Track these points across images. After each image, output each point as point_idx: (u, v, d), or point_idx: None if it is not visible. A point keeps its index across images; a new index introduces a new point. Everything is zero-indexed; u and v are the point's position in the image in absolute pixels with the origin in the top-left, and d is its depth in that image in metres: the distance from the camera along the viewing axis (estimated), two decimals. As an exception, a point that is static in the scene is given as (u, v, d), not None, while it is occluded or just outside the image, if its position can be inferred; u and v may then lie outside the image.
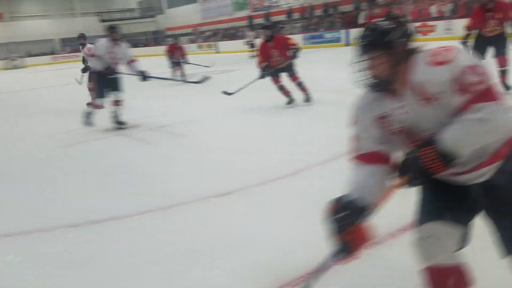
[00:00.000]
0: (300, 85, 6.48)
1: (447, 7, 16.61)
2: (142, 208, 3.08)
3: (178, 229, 2.73)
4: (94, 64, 5.79)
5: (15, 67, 29.52)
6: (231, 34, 29.23)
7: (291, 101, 6.47)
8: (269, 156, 4.08)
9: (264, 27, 6.88)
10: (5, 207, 3.39)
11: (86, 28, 37.77)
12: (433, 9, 17.36)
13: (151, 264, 2.32)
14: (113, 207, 3.19)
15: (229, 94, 6.92)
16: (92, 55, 5.95)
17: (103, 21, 39.04)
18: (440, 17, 16.47)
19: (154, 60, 25.20)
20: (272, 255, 2.28)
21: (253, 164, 3.89)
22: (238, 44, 26.10)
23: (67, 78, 16.67)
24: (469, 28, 5.52)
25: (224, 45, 27.68)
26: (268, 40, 6.39)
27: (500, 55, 5.32)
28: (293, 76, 6.47)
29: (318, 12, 24.10)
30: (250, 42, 19.48)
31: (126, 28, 38.51)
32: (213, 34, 31.30)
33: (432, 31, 16.48)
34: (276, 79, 6.49)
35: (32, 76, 20.72)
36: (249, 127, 5.48)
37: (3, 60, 30.49)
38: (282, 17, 26.32)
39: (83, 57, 7.44)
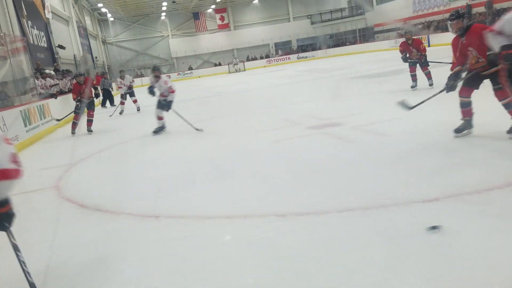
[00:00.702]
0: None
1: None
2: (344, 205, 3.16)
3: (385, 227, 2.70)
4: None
5: (237, 71, 33.66)
6: (445, 26, 26.85)
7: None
8: None
9: (457, 16, 4.47)
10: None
11: (298, 30, 40.62)
12: None
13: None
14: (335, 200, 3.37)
15: (408, 108, 5.17)
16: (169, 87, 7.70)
17: (313, 23, 41.10)
18: None
19: (362, 56, 25.29)
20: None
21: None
22: (451, 36, 23.82)
23: (279, 79, 18.38)
24: None
25: (435, 38, 25.68)
26: (462, 34, 4.50)
27: None
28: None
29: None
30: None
31: (335, 27, 39.69)
32: (425, 27, 29.33)
33: None
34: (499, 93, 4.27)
35: (250, 78, 23.28)
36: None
37: (227, 65, 35.15)
38: (506, 4, 22.76)
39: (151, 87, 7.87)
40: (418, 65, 8.80)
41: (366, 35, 38.35)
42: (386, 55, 22.73)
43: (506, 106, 4.23)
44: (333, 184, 3.74)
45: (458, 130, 4.56)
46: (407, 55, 8.86)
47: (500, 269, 2.09)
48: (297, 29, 41.06)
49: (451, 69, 4.70)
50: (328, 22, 40.47)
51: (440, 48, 22.09)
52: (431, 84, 8.51)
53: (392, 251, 2.42)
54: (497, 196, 2.96)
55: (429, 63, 8.77)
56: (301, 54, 37.06)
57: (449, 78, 4.60)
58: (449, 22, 4.53)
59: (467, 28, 4.42)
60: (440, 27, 27.40)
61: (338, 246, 2.58)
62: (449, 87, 4.57)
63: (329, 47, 37.85)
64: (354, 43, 37.02)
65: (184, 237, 3.02)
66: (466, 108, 4.53)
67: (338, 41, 39.85)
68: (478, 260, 2.20)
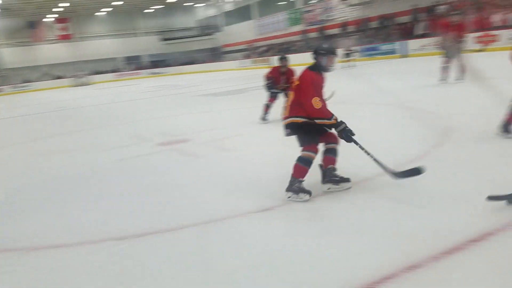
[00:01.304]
0: None
1: (512, 15, 15.71)
2: (179, 223, 3.17)
3: (219, 246, 2.78)
4: None
5: (82, 84, 31.50)
6: (285, 49, 29.45)
7: None
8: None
9: None
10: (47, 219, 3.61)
11: (149, 46, 39.96)
12: (497, 18, 16.48)
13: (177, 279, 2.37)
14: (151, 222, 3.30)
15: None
16: None
17: (164, 39, 40.94)
18: (504, 26, 15.59)
19: (212, 75, 25.91)
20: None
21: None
22: (293, 58, 26.24)
23: (129, 94, 17.81)
24: None
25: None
26: None
27: None
28: None
29: (373, 24, 23.70)
30: (347, 51, 18.16)
31: (185, 46, 40.14)
32: (268, 49, 31.72)
33: (495, 40, 15.64)
34: None
35: (97, 92, 22.02)
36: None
37: (70, 78, 32.67)
38: (336, 31, 26.16)
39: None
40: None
41: (215, 55, 39.70)
42: (235, 74, 23.87)
43: None
44: (173, 203, 3.72)
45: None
46: (273, 84, 7.19)
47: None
48: (147, 45, 40.38)
49: None
50: (179, 40, 40.82)
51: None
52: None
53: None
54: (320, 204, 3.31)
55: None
56: (152, 70, 36.55)
57: None
58: None
59: None
60: (281, 49, 29.93)
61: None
62: None
63: (180, 64, 38.14)
64: (205, 62, 37.97)
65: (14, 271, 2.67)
66: None
67: (189, 59, 40.45)
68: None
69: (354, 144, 3.31)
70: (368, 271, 2.20)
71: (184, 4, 40.78)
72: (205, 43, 40.20)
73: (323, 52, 3.43)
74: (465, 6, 17.79)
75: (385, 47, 20.74)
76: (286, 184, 3.33)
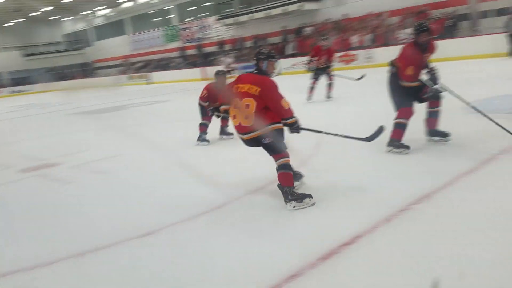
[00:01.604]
0: None
1: (367, 37, 17.70)
2: (55, 256, 2.85)
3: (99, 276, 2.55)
4: None
5: None
6: (164, 65, 29.07)
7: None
8: (192, 189, 3.99)
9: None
10: None
11: (8, 62, 36.03)
12: (355, 39, 18.42)
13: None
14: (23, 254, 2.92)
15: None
16: None
17: (27, 55, 37.39)
18: (361, 47, 17.49)
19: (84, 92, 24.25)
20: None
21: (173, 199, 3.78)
22: (172, 74, 26.05)
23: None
24: None
25: (158, 75, 27.45)
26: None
27: None
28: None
29: (248, 43, 24.69)
30: (227, 69, 18.29)
31: (53, 61, 37.16)
32: (144, 65, 30.97)
33: (354, 59, 17.46)
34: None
35: None
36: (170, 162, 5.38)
37: None
38: (213, 48, 26.68)
39: None
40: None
41: (87, 70, 37.45)
42: (110, 90, 22.73)
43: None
44: (45, 232, 3.35)
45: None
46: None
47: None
48: (6, 61, 36.34)
49: None
50: (44, 55, 37.62)
51: (161, 85, 23.77)
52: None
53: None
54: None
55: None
56: (13, 88, 32.99)
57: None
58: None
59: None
60: (159, 65, 29.47)
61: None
62: None
63: (47, 81, 35.09)
64: (74, 77, 35.50)
65: None
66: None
67: (57, 75, 37.47)
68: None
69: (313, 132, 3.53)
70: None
71: (50, 18, 37.87)
72: (74, 58, 37.66)
73: (263, 57, 3.49)
74: (328, 29, 19.59)
75: (260, 65, 21.70)
76: (168, 208, 3.23)
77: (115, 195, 4.20)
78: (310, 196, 3.26)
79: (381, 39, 17.06)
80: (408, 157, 4.22)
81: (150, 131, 7.74)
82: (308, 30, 21.23)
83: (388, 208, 2.98)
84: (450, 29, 15.47)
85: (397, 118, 4.39)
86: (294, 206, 3.20)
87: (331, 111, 7.88)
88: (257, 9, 22.86)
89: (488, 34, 14.05)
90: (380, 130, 3.64)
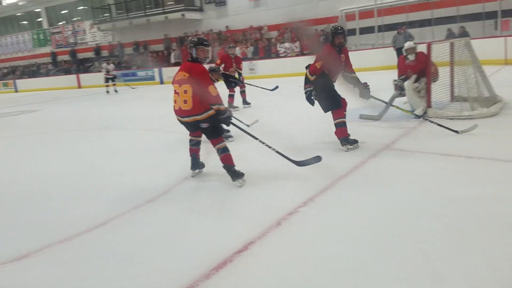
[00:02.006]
0: None
1: (250, 49, 18.32)
2: None
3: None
4: None
5: None
6: (33, 72, 26.48)
7: None
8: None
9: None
10: None
11: None
12: (238, 51, 18.94)
13: None
14: None
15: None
16: None
17: None
18: (244, 58, 18.05)
19: None
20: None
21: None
22: (41, 82, 23.83)
23: None
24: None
25: (23, 83, 24.86)
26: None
27: None
28: None
29: (128, 50, 23.79)
30: (107, 76, 16.57)
31: None
32: (11, 72, 27.87)
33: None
34: None
35: None
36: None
37: None
38: (89, 54, 25.16)
39: None
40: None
41: None
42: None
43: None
44: None
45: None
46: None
47: None
48: None
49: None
50: None
51: (28, 94, 21.57)
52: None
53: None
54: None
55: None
56: None
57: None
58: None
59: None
60: (27, 72, 26.77)
61: None
62: None
63: None
64: None
65: None
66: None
67: None
68: None
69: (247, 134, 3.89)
70: None
71: None
72: None
73: (192, 45, 3.66)
74: (211, 39, 19.84)
75: (142, 73, 21.03)
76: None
77: None
78: (243, 174, 3.78)
79: (262, 52, 17.82)
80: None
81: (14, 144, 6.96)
82: (191, 39, 21.22)
83: (279, 212, 3.07)
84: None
85: (335, 119, 4.66)
86: (240, 182, 3.72)
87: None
88: (137, 15, 22.19)
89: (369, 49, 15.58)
90: (317, 159, 3.80)
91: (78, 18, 26.42)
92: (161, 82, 20.26)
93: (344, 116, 4.68)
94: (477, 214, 2.80)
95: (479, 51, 6.42)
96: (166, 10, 21.11)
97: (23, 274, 2.55)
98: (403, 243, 2.49)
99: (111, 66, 16.97)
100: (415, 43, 6.30)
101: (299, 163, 3.83)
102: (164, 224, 3.15)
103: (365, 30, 16.56)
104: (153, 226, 3.12)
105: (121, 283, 2.36)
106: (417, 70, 6.05)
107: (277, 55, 17.79)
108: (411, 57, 6.08)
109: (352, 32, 16.94)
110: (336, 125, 4.67)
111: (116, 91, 16.72)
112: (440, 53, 5.95)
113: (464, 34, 12.78)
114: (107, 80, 16.62)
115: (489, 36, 13.05)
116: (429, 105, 5.87)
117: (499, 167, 3.70)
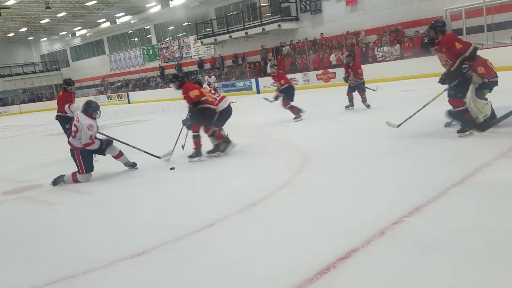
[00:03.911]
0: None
1: (345, 55, 18.06)
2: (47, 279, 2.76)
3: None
4: None
5: None
6: (143, 84, 28.96)
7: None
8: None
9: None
10: None
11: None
12: (333, 58, 18.78)
13: None
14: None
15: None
16: None
17: (2, 76, 36.80)
18: (339, 65, 17.82)
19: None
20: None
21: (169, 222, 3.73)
22: (150, 94, 25.94)
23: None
24: None
25: (135, 95, 27.28)
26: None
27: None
28: None
29: (228, 62, 24.89)
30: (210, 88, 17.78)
31: (29, 81, 36.66)
32: (124, 85, 30.77)
33: (333, 77, 17.77)
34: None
35: None
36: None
37: None
38: (193, 67, 26.79)
39: None
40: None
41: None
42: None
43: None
44: (35, 256, 3.25)
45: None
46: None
47: None
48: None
49: None
50: (20, 76, 37.05)
51: (140, 105, 23.62)
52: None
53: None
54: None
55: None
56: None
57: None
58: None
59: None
60: (138, 85, 29.32)
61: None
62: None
63: (23, 102, 34.52)
64: (51, 98, 35.04)
65: None
66: None
67: (33, 96, 36.88)
68: None
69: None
70: None
71: (28, 38, 37.44)
72: (51, 78, 37.18)
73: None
74: (304, 47, 19.95)
75: (241, 83, 21.88)
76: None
77: (101, 216, 4.12)
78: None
79: (359, 57, 17.47)
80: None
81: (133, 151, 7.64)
82: (286, 48, 21.56)
83: (382, 220, 3.01)
84: (426, 47, 15.94)
85: (193, 132, 5.94)
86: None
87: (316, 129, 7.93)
88: (235, 28, 23.15)
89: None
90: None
91: (183, 33, 28.34)
92: (258, 92, 20.83)
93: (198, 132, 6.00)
94: None
95: None
96: (263, 22, 21.72)
97: (141, 270, 2.82)
98: (524, 259, 2.30)
99: (213, 78, 17.76)
100: None
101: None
102: (267, 227, 3.25)
103: (473, 29, 15.40)
104: (257, 228, 3.24)
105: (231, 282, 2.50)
106: None
107: (374, 60, 17.31)
108: None
109: (458, 32, 15.85)
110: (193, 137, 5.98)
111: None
112: None
113: None
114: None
115: None
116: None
117: None
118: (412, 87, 6.45)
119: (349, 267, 2.46)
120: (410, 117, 5.79)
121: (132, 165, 5.92)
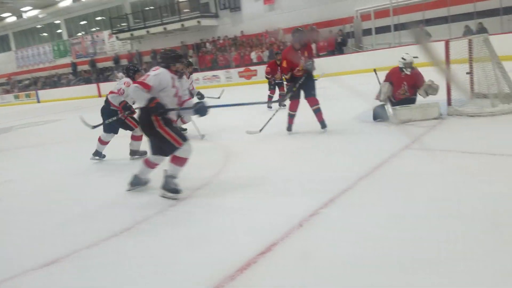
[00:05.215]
0: None
1: (265, 53, 18.39)
2: None
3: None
4: None
5: None
6: (54, 82, 27.10)
7: None
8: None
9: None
10: None
11: None
12: (253, 55, 19.02)
13: None
14: None
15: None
16: None
17: None
18: (260, 62, 18.09)
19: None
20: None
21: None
22: (62, 92, 24.36)
23: None
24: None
25: (45, 94, 25.46)
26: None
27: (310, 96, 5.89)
28: None
29: (146, 58, 24.16)
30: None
31: None
32: (33, 83, 28.58)
33: (254, 75, 18.01)
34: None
35: None
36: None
37: None
38: (109, 63, 25.62)
39: None
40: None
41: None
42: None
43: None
44: None
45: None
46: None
47: None
48: None
49: None
50: None
51: (51, 104, 22.08)
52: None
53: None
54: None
55: None
56: None
57: None
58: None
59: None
60: (48, 83, 27.40)
61: None
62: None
63: None
64: None
65: None
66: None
67: None
68: None
69: None
70: None
71: None
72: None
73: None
74: (226, 45, 20.01)
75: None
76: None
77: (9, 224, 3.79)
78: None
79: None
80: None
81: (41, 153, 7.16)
82: (208, 46, 21.45)
83: (301, 213, 3.10)
84: (340, 46, 16.75)
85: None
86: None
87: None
88: (153, 24, 22.54)
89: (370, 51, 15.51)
90: None
91: (97, 28, 26.98)
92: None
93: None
94: (500, 212, 2.78)
95: (498, 47, 6.33)
96: (182, 18, 21.38)
97: (51, 279, 2.64)
98: (425, 243, 2.50)
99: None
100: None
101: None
102: (187, 226, 3.21)
103: (381, 30, 16.45)
104: (176, 229, 3.18)
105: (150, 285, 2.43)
106: (411, 83, 6.02)
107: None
108: (409, 71, 5.98)
109: (368, 32, 16.88)
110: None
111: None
112: (458, 50, 5.89)
113: (482, 30, 12.59)
114: None
115: (507, 32, 12.81)
116: (449, 103, 5.82)
117: (522, 164, 3.66)
118: (325, 84, 6.76)
119: (269, 261, 2.51)
120: (270, 119, 6.35)
121: (142, 154, 5.57)
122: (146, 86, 3.59)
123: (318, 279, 2.27)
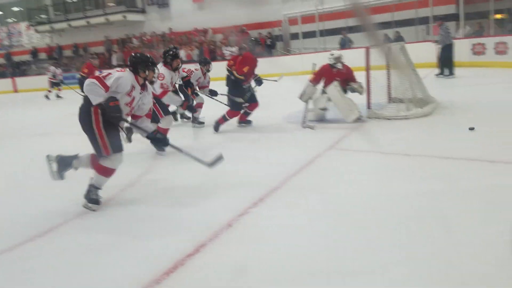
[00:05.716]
0: None
1: (195, 52, 18.19)
2: None
3: None
4: None
5: None
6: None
7: None
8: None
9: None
10: None
11: None
12: (182, 53, 18.72)
13: None
14: None
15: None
16: None
17: None
18: (189, 61, 17.84)
19: None
20: None
21: None
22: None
23: None
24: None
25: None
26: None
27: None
28: None
29: (67, 52, 22.85)
30: (54, 80, 15.19)
31: None
32: None
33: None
34: None
35: None
36: None
37: None
38: (26, 57, 23.88)
39: None
40: None
41: None
42: None
43: None
44: None
45: None
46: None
47: None
48: None
49: None
50: None
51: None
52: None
53: None
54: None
55: None
56: None
57: None
58: None
59: None
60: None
61: None
62: None
63: None
64: None
65: None
66: None
67: None
68: None
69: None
70: None
71: None
72: None
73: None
74: (153, 41, 19.53)
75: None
76: None
77: None
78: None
79: (208, 54, 17.77)
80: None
81: None
82: (134, 42, 20.78)
83: (230, 213, 3.10)
84: (269, 48, 17.04)
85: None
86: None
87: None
88: (76, 17, 21.39)
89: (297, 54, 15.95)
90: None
91: (13, 19, 25.03)
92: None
93: None
94: (414, 208, 2.99)
95: (413, 55, 6.82)
96: (107, 12, 20.51)
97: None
98: (349, 240, 2.61)
99: (59, 70, 15.66)
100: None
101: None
102: (112, 229, 3.08)
103: (308, 35, 16.99)
104: (101, 231, 3.04)
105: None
106: (343, 77, 6.20)
107: (223, 58, 17.82)
108: (340, 66, 6.13)
109: (295, 36, 17.34)
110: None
111: (59, 96, 15.34)
112: (377, 57, 6.23)
113: (399, 38, 13.46)
114: (52, 84, 15.17)
115: (422, 41, 13.84)
116: (369, 106, 6.15)
117: (434, 163, 3.96)
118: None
119: (197, 263, 2.48)
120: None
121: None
122: (105, 86, 3.27)
123: (247, 280, 2.28)
